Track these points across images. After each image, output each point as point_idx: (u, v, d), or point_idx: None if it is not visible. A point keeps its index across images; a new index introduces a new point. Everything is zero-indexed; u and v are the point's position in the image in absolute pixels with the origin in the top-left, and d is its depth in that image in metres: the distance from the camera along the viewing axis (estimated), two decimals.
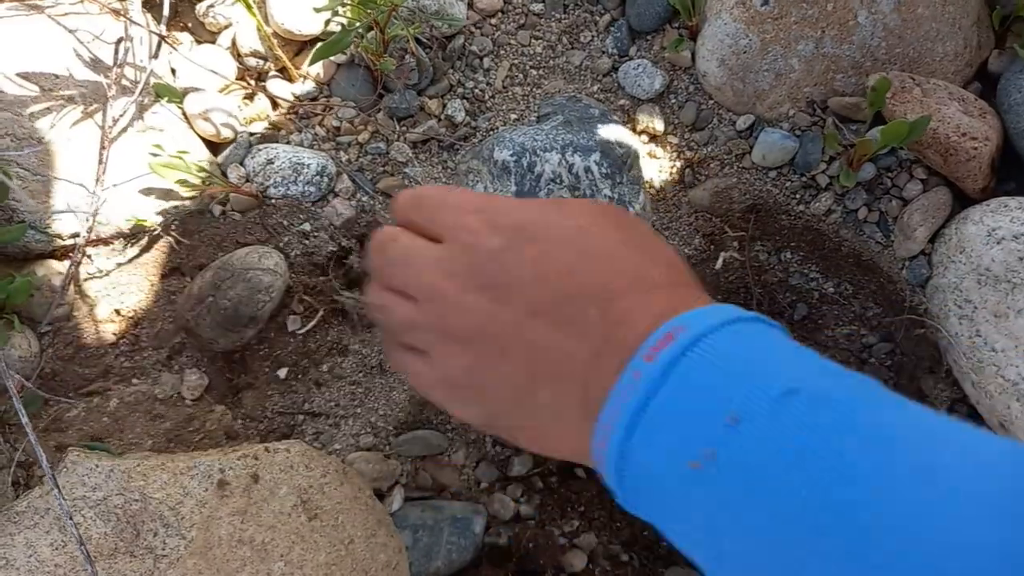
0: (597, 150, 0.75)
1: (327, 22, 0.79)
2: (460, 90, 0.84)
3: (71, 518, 0.56)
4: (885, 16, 0.78)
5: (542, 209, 0.35)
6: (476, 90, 0.84)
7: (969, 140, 0.72)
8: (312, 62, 0.79)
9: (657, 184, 0.82)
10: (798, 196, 0.81)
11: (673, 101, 0.83)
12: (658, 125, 0.82)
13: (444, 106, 0.83)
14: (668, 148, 0.83)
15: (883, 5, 0.77)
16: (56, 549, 0.58)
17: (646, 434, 0.27)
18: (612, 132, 0.77)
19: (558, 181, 0.74)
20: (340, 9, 0.73)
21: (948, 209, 0.77)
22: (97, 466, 0.61)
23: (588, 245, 0.33)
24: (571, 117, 0.80)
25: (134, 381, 0.76)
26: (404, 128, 0.83)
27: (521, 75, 0.84)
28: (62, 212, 0.74)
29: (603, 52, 0.85)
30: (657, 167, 0.83)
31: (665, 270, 0.33)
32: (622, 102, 0.83)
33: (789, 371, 0.27)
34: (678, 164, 0.83)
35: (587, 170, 0.75)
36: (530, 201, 0.36)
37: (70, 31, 0.80)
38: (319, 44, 0.76)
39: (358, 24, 0.74)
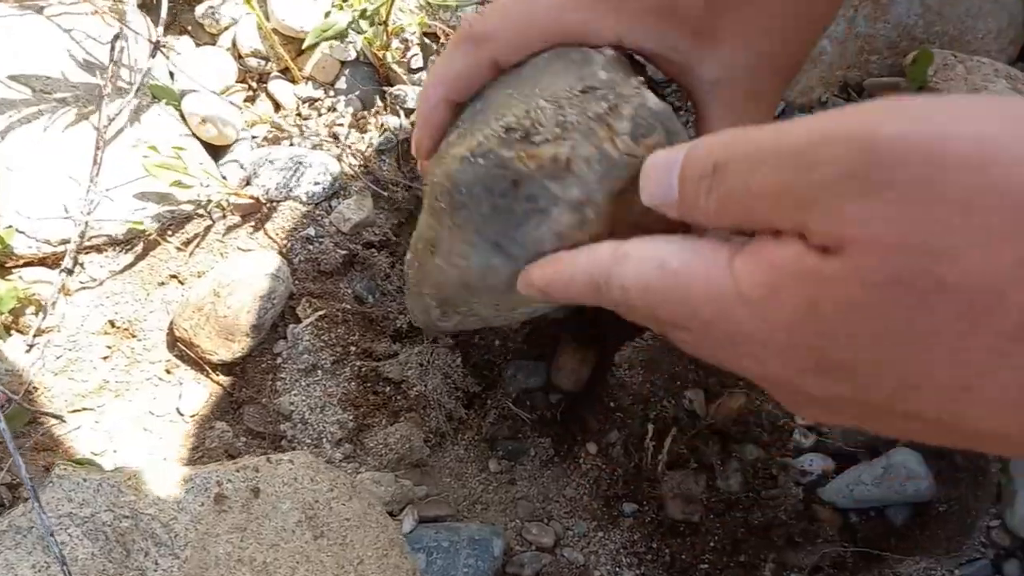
0: None
1: (327, 13, 0.75)
2: None
3: (53, 536, 0.51)
4: None
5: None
6: None
7: None
8: (308, 44, 0.74)
9: None
10: None
11: None
12: None
13: None
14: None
15: None
16: (39, 571, 0.53)
17: None
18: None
19: None
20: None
21: None
22: (85, 480, 0.56)
23: None
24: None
25: (129, 396, 0.72)
26: (410, 121, 0.79)
27: None
28: (53, 216, 0.70)
29: None
30: None
31: None
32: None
33: None
34: None
35: None
36: None
37: (65, 31, 0.77)
38: (314, 27, 0.72)
39: (357, 7, 0.71)
